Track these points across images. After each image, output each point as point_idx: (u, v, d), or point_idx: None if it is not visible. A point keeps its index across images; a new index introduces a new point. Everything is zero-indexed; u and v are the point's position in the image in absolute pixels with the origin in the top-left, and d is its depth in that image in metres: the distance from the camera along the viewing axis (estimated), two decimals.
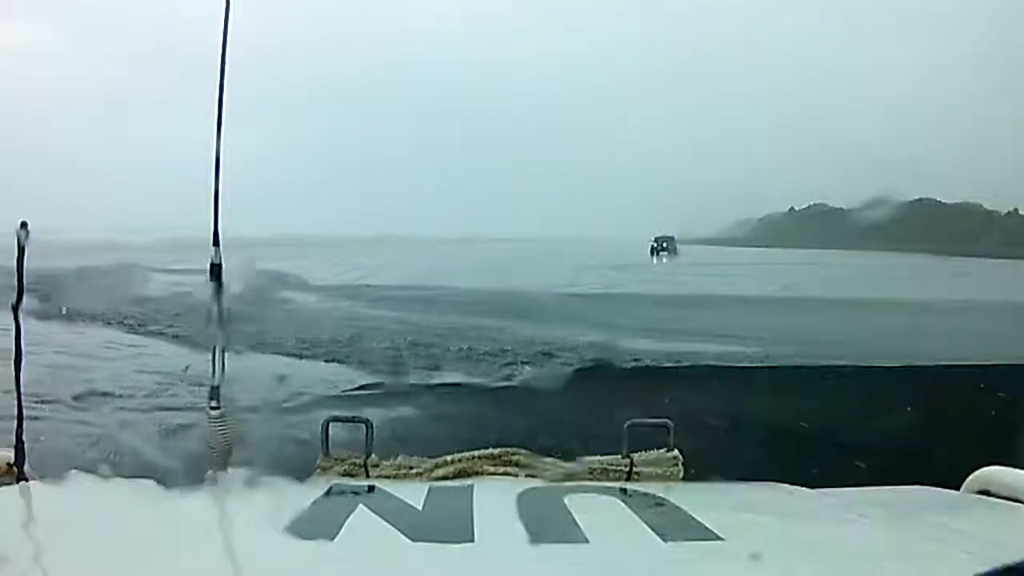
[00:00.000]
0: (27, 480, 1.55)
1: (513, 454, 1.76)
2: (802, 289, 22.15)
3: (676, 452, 1.76)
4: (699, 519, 1.25)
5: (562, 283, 21.20)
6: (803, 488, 1.62)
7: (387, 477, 1.71)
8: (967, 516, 1.46)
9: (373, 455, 1.74)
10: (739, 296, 19.50)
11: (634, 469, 1.72)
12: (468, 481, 1.66)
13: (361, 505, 1.35)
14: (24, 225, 1.62)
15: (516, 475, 1.72)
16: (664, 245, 47.19)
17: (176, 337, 10.01)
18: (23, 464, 1.58)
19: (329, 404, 6.67)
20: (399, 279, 21.26)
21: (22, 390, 1.61)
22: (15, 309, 1.63)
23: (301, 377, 8.07)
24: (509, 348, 9.92)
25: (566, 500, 1.39)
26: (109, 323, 11.61)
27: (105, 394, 7.41)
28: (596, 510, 1.38)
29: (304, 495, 1.38)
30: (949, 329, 11.94)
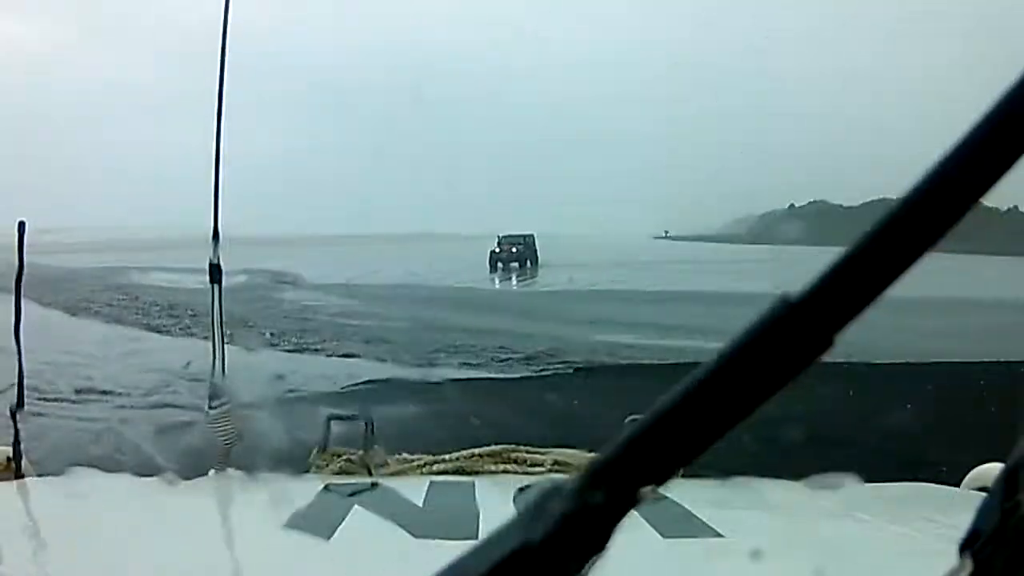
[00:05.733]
0: (24, 476, 1.55)
1: (513, 451, 1.75)
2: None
3: None
4: (699, 516, 1.24)
5: None
6: (803, 484, 1.61)
7: (386, 474, 1.70)
8: (967, 513, 1.45)
9: (367, 451, 1.73)
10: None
11: None
12: (469, 478, 1.65)
13: (360, 502, 1.34)
14: (22, 224, 1.62)
15: (516, 472, 1.71)
16: (514, 251, 25.81)
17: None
18: (21, 460, 1.58)
19: None
20: None
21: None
22: (16, 307, 1.63)
23: None
24: None
25: None
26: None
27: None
28: None
29: (302, 492, 1.37)
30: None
